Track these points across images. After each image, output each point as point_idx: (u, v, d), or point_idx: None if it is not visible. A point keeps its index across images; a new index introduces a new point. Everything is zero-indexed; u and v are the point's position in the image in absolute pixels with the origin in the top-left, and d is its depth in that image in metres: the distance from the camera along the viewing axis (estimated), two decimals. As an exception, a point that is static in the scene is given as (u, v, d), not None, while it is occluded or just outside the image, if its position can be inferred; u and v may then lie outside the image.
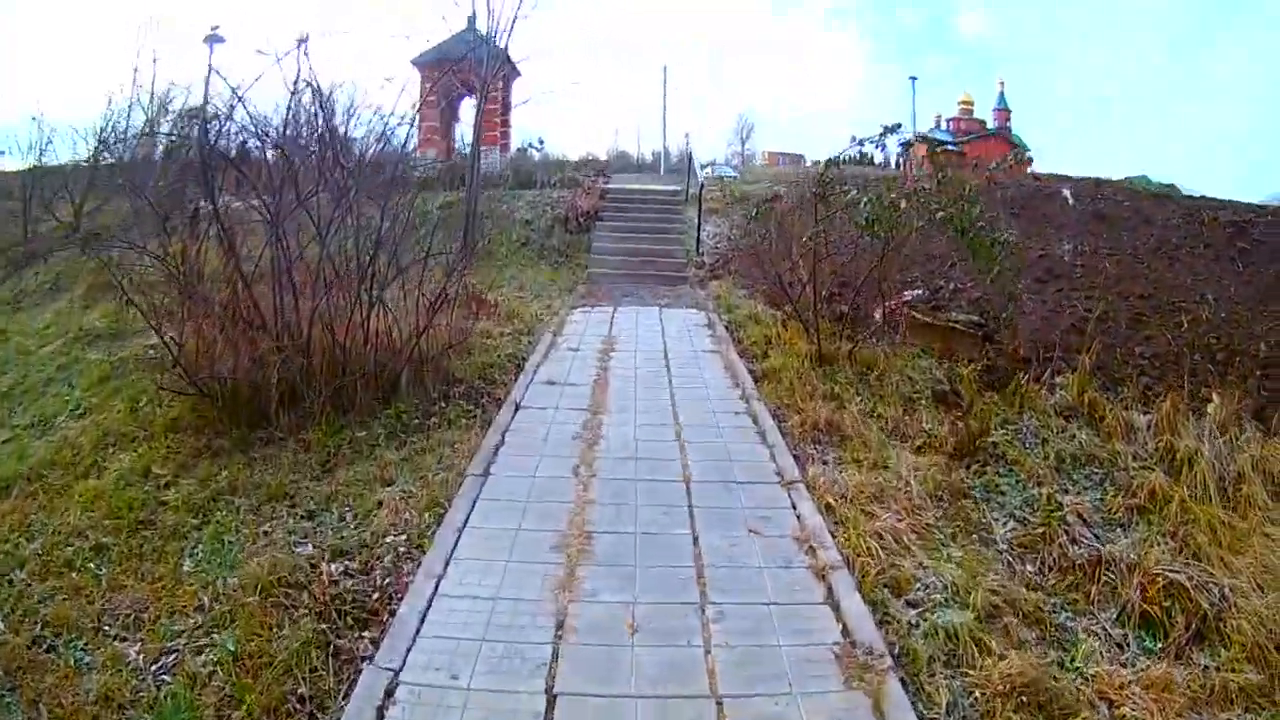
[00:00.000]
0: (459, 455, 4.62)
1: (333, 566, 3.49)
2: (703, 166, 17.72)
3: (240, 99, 5.61)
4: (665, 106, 32.75)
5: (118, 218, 10.26)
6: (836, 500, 4.07)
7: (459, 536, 3.59)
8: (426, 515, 3.88)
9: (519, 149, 24.18)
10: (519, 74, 23.30)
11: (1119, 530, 4.34)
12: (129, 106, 14.24)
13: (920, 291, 8.55)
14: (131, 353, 6.90)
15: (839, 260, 7.84)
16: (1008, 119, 34.72)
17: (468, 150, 24.20)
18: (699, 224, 11.84)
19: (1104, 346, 7.25)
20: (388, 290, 5.97)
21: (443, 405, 5.57)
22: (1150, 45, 59.51)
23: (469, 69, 12.08)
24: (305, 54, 5.36)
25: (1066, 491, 4.71)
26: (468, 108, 21.59)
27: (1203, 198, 10.55)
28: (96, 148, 12.83)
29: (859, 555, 3.56)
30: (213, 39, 14.12)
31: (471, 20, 13.28)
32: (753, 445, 4.85)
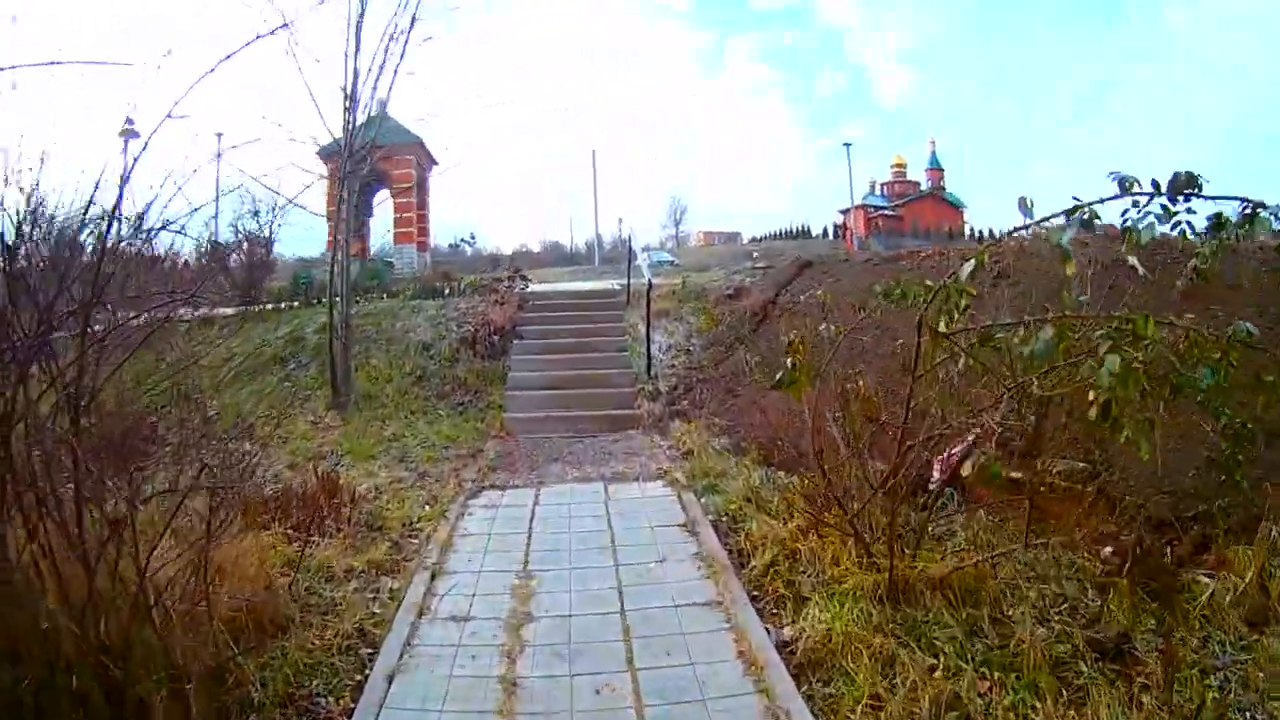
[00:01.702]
0: None
1: None
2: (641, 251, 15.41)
3: None
4: (596, 192, 31.35)
5: None
6: None
7: None
8: None
9: (450, 245, 21.96)
10: (436, 162, 20.82)
11: None
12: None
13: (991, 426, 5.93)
14: None
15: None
16: (941, 178, 34.67)
17: (389, 247, 21.25)
18: (648, 335, 9.08)
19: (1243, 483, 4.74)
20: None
21: None
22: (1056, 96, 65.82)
23: (361, 155, 8.88)
24: None
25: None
26: (385, 201, 18.91)
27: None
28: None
29: None
30: (128, 134, 10.74)
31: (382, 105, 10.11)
32: None
